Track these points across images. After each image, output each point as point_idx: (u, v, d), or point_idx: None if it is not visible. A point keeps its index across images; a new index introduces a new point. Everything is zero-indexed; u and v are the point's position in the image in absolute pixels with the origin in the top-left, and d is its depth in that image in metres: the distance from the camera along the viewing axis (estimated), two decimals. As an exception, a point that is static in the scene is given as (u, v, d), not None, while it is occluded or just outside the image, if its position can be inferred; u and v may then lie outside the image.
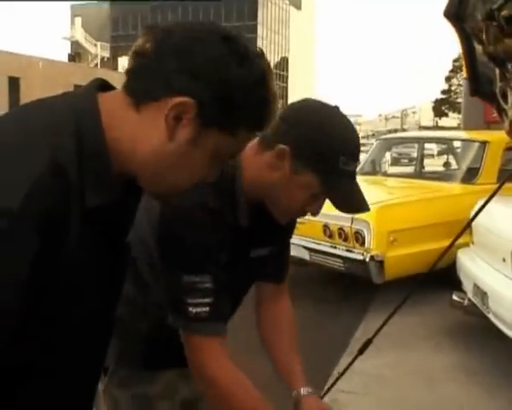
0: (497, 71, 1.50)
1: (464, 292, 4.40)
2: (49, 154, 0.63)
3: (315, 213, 1.13)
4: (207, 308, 1.02)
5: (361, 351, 1.47)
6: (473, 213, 4.62)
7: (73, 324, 0.69)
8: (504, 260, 3.66)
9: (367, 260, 5.00)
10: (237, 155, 0.83)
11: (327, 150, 1.03)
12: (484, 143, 5.99)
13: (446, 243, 5.17)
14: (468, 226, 1.68)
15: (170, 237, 1.02)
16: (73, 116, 0.67)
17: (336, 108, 1.06)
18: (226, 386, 1.04)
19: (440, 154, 8.50)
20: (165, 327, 1.08)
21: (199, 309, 1.02)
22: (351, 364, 1.36)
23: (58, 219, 0.62)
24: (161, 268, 1.06)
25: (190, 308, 1.02)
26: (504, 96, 1.48)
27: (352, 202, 1.09)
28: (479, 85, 1.65)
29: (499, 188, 1.47)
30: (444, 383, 3.68)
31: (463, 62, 1.77)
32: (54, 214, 0.62)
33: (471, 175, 5.98)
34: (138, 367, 1.20)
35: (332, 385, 1.42)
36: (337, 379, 1.44)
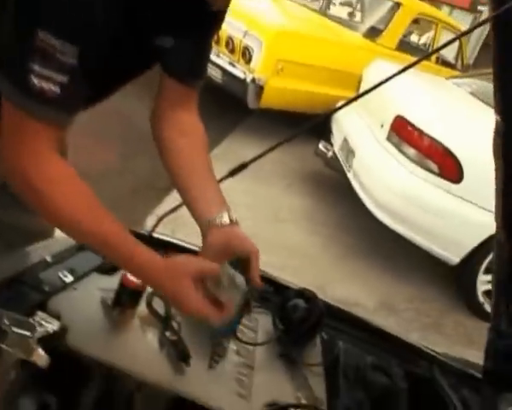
0: None
1: (331, 144, 4.32)
2: None
3: None
4: (58, 89, 0.78)
5: (232, 173, 1.20)
6: (365, 71, 4.48)
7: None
8: (382, 126, 3.55)
9: (248, 80, 4.64)
10: None
11: None
12: (398, 4, 5.67)
13: (329, 90, 5.14)
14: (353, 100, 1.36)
15: None
16: None
17: None
18: (62, 189, 0.82)
19: (346, 4, 8.02)
20: None
21: (46, 85, 0.77)
22: (221, 181, 1.09)
23: None
24: (11, 14, 0.78)
25: (34, 79, 0.76)
26: None
27: None
28: None
29: (409, 67, 1.19)
30: (288, 225, 3.70)
31: None
32: None
33: (374, 32, 5.72)
34: None
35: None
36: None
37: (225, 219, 0.98)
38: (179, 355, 0.98)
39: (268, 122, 4.98)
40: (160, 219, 1.23)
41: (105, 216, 0.83)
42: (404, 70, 1.24)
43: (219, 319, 0.85)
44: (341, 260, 3.54)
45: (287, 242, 3.40)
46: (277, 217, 3.74)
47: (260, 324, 1.20)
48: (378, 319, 3.08)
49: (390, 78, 1.24)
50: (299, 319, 1.15)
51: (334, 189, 4.44)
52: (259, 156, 1.43)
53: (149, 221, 3.01)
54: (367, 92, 1.31)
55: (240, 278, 0.91)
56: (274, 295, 1.28)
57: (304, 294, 1.20)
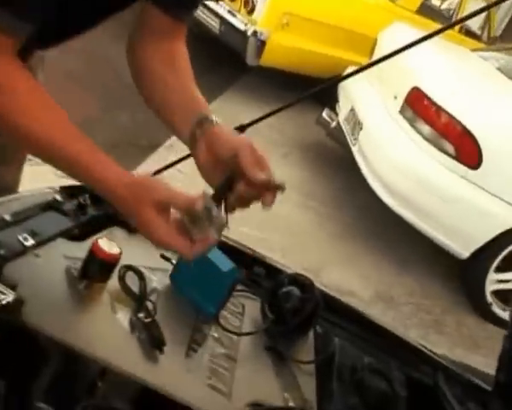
0: None
1: (336, 113, 4.26)
2: None
3: None
4: None
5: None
6: (381, 34, 4.39)
7: None
8: (396, 97, 3.50)
9: (248, 33, 4.54)
10: None
11: None
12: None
13: (339, 53, 5.06)
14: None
15: None
16: None
17: None
18: (22, 103, 0.82)
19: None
20: None
21: None
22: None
23: None
24: None
25: None
26: None
27: None
28: None
29: (431, 35, 1.14)
30: (281, 198, 3.65)
31: None
32: None
33: (394, -9, 5.61)
34: None
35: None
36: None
37: (205, 124, 0.91)
38: (152, 341, 0.94)
39: (267, 82, 4.90)
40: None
41: (76, 133, 0.83)
42: (425, 39, 1.18)
43: (190, 254, 0.80)
44: (337, 241, 3.52)
45: (278, 217, 3.36)
46: (270, 189, 3.69)
47: (247, 310, 1.17)
48: (374, 311, 3.11)
49: (408, 46, 1.18)
50: (292, 309, 1.12)
51: (335, 162, 4.40)
52: (259, 120, 1.38)
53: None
54: (382, 60, 1.25)
55: (220, 217, 0.82)
56: (265, 279, 1.25)
57: (299, 280, 1.17)
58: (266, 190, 0.84)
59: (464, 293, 3.46)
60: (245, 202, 0.87)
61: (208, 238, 0.80)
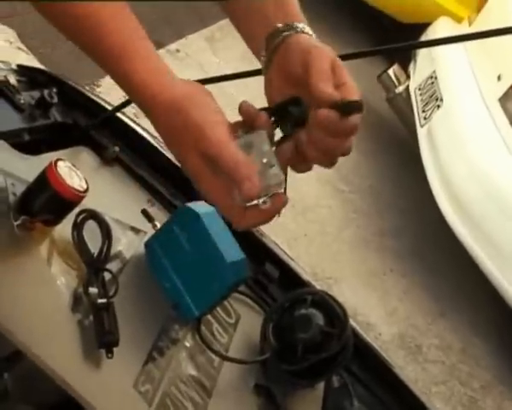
0: None
1: (408, 75, 4.18)
2: None
3: None
4: None
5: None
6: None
7: None
8: (499, 78, 3.42)
9: None
10: None
11: None
12: None
13: None
14: None
15: None
16: None
17: None
18: None
19: None
20: None
21: None
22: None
23: None
24: None
25: None
26: None
27: None
28: None
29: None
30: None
31: None
32: None
33: None
34: None
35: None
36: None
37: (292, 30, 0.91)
38: (100, 335, 0.89)
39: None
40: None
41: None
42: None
43: (240, 222, 0.82)
44: (363, 251, 3.49)
45: (293, 190, 3.30)
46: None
47: (242, 324, 1.13)
48: (393, 356, 3.06)
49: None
50: (309, 343, 1.07)
51: (389, 141, 4.37)
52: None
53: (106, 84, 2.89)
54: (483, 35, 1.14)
55: (275, 166, 0.80)
56: (277, 285, 1.23)
57: (327, 303, 1.11)
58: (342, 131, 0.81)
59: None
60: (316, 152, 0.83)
61: (265, 210, 0.79)
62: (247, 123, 0.84)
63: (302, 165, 0.83)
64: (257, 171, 0.78)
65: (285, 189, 0.80)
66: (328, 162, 0.82)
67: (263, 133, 0.80)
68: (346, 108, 0.78)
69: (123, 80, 0.84)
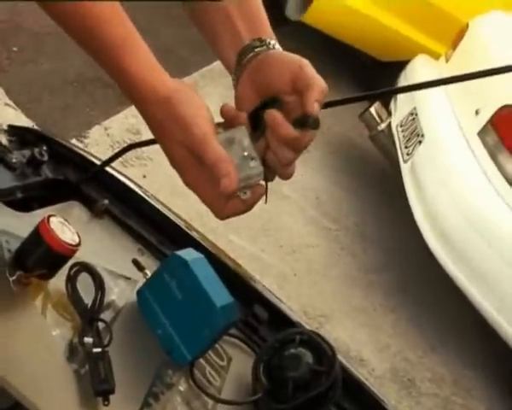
0: None
1: (389, 112, 4.22)
2: None
3: None
4: None
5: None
6: (475, 21, 4.35)
7: None
8: (477, 113, 3.46)
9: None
10: None
11: None
12: None
13: (412, 32, 5.02)
14: None
15: None
16: None
17: None
18: None
19: None
20: None
21: None
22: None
23: None
24: None
25: None
26: None
27: None
28: None
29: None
30: (289, 207, 3.65)
31: None
32: None
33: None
34: None
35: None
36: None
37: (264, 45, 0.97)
38: (96, 383, 0.89)
39: (305, 39, 4.84)
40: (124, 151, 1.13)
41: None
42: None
43: (221, 212, 0.87)
44: (353, 287, 3.49)
45: (281, 230, 3.33)
46: (277, 191, 3.68)
47: (234, 366, 1.14)
48: (387, 391, 3.05)
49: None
50: (299, 382, 1.08)
51: (373, 178, 4.38)
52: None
53: (93, 135, 2.90)
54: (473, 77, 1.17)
55: (255, 159, 0.85)
56: (267, 326, 1.23)
57: (315, 343, 1.13)
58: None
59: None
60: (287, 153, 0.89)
61: (245, 200, 0.86)
62: (228, 123, 0.89)
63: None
64: (237, 163, 0.83)
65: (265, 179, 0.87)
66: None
67: (243, 128, 0.86)
68: (303, 122, 0.85)
69: (119, 72, 0.87)
